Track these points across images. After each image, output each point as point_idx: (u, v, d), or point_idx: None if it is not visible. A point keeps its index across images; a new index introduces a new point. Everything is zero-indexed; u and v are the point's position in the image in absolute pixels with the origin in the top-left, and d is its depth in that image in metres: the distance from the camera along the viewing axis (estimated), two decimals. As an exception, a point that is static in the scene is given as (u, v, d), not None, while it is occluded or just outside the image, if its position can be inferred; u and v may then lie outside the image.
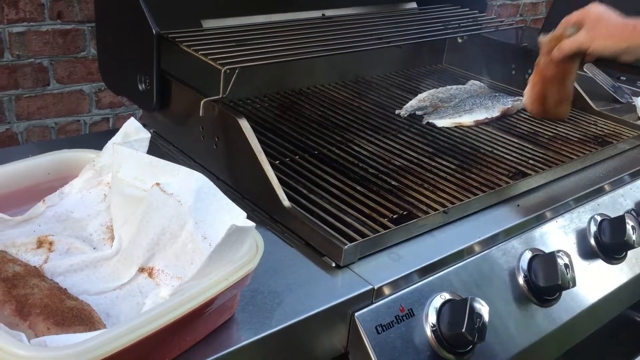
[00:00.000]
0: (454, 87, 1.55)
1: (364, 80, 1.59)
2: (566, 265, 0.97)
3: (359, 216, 0.97)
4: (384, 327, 0.84)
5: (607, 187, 1.21)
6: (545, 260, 0.99)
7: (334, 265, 0.88)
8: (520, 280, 0.99)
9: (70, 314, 0.65)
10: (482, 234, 0.99)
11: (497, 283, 0.97)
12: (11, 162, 0.86)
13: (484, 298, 0.88)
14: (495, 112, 1.39)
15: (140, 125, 0.88)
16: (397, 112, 1.41)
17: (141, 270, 0.77)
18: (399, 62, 1.69)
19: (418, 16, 1.49)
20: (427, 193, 1.05)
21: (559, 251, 0.99)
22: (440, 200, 1.03)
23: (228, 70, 1.00)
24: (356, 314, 0.83)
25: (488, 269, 0.97)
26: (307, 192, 1.02)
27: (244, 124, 0.98)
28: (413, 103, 1.44)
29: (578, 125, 1.40)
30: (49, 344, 0.59)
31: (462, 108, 1.40)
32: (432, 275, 0.91)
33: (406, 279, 0.88)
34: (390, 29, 1.34)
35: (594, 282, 1.10)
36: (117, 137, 0.87)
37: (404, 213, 1.00)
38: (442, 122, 1.35)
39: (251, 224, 0.72)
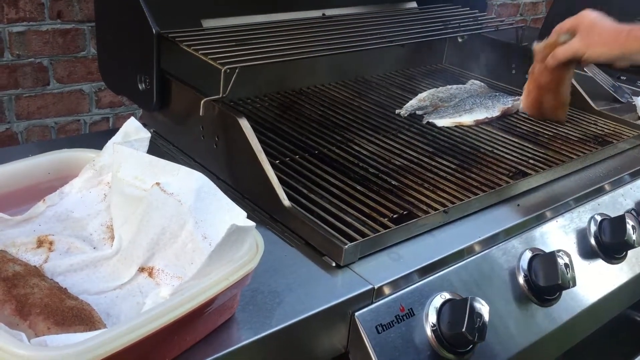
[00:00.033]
0: (454, 86, 1.55)
1: (364, 80, 1.59)
2: (566, 265, 0.97)
3: (359, 216, 0.97)
4: (384, 327, 0.84)
5: (607, 187, 1.21)
6: (545, 260, 0.99)
7: (334, 264, 0.88)
8: (521, 279, 0.99)
9: (70, 313, 0.65)
10: (482, 234, 0.99)
11: (497, 283, 0.97)
12: (11, 161, 0.86)
13: (484, 298, 0.88)
14: (495, 112, 1.39)
15: (141, 125, 0.88)
16: (397, 111, 1.41)
17: (141, 269, 0.77)
18: (399, 61, 1.69)
19: (418, 16, 1.49)
20: (427, 193, 1.05)
21: (559, 251, 0.99)
22: (441, 199, 1.03)
23: (228, 70, 1.00)
24: (356, 313, 0.83)
25: (488, 269, 0.97)
26: (307, 192, 1.02)
27: (244, 124, 0.98)
28: (413, 102, 1.44)
29: (578, 125, 1.40)
30: (49, 343, 0.59)
31: (462, 107, 1.40)
32: (432, 275, 0.91)
33: (406, 279, 0.88)
34: (390, 28, 1.34)
35: (594, 282, 1.10)
36: (117, 137, 0.87)
37: (404, 213, 1.00)
38: (442, 122, 1.35)
39: (251, 223, 0.72)
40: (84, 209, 0.86)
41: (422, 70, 1.72)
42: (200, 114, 1.03)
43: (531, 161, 1.21)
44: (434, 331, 0.87)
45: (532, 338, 0.98)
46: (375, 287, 0.85)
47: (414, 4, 1.64)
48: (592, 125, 1.41)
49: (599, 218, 1.14)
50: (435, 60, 1.77)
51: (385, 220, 0.96)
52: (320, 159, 1.15)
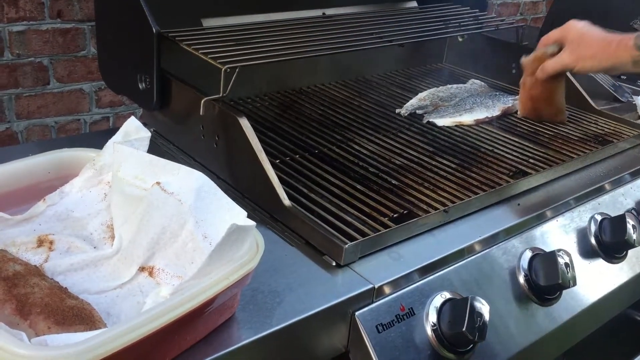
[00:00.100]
0: (455, 86, 1.55)
1: (364, 79, 1.59)
2: (566, 265, 0.97)
3: (360, 215, 0.97)
4: (384, 326, 0.84)
5: (607, 186, 1.21)
6: (545, 259, 0.99)
7: (334, 264, 0.88)
8: (521, 279, 0.99)
9: (70, 313, 0.65)
10: (483, 233, 0.99)
11: (497, 282, 0.97)
12: (11, 161, 0.86)
13: (485, 297, 0.88)
14: (495, 111, 1.39)
15: (141, 124, 0.88)
16: (397, 111, 1.41)
17: (141, 269, 0.77)
18: (399, 61, 1.69)
19: (418, 15, 1.49)
20: (428, 192, 1.05)
21: (559, 250, 0.99)
22: (441, 199, 1.03)
23: (228, 69, 1.00)
24: (357, 313, 0.83)
25: (488, 268, 0.97)
26: (307, 191, 1.02)
27: (244, 123, 0.98)
28: (413, 102, 1.44)
29: (578, 124, 1.40)
30: (49, 343, 0.59)
31: (463, 107, 1.40)
32: (432, 275, 0.91)
33: (407, 278, 0.88)
34: (390, 27, 1.34)
35: (595, 281, 1.10)
36: (117, 136, 0.87)
37: (405, 212, 1.00)
38: (442, 121, 1.35)
39: (251, 223, 0.72)
40: (84, 208, 0.86)
41: (422, 69, 1.72)
42: (201, 113, 1.03)
43: (531, 160, 1.21)
44: (434, 331, 0.87)
45: (532, 337, 0.98)
46: (376, 286, 0.85)
47: (414, 3, 1.64)
48: (593, 125, 1.41)
49: (599, 217, 1.14)
50: (435, 60, 1.77)
51: (385, 220, 0.96)
52: (320, 158, 1.15)
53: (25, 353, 0.55)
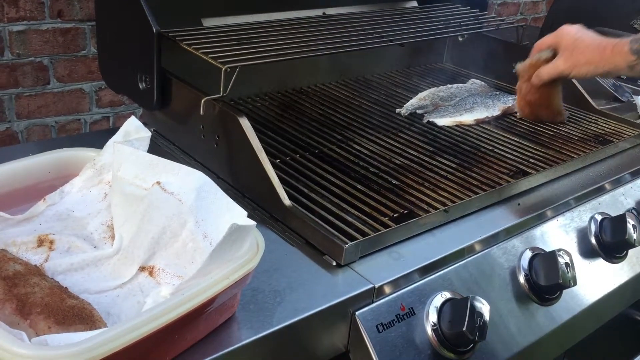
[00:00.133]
0: (455, 85, 1.55)
1: (364, 79, 1.59)
2: (567, 264, 0.97)
3: (360, 215, 0.97)
4: (384, 326, 0.84)
5: (607, 186, 1.21)
6: (546, 259, 0.99)
7: (334, 264, 0.88)
8: (521, 279, 0.99)
9: (71, 312, 0.65)
10: (483, 233, 0.99)
11: (497, 282, 0.97)
12: (11, 160, 0.86)
13: (485, 297, 0.88)
14: (495, 111, 1.39)
15: (141, 124, 0.88)
16: (397, 110, 1.41)
17: (142, 269, 0.77)
18: (399, 60, 1.69)
19: (419, 15, 1.49)
20: (428, 192, 1.05)
21: (559, 250, 0.99)
22: (441, 199, 1.03)
23: (228, 69, 1.00)
24: (357, 312, 0.83)
25: (489, 268, 0.97)
26: (307, 191, 1.02)
27: (245, 123, 0.98)
28: (414, 102, 1.44)
29: (579, 124, 1.40)
30: (49, 342, 0.59)
31: (463, 107, 1.40)
32: (432, 274, 0.91)
33: (407, 278, 0.88)
34: (391, 27, 1.34)
35: (595, 281, 1.10)
36: (117, 136, 0.87)
37: (405, 212, 1.00)
38: (442, 121, 1.35)
39: (252, 222, 0.72)
40: (85, 208, 0.86)
41: (423, 69, 1.72)
42: (201, 113, 1.03)
43: (532, 160, 1.21)
44: (434, 330, 0.87)
45: (532, 337, 0.98)
46: (376, 286, 0.85)
47: (414, 3, 1.64)
48: (593, 125, 1.41)
49: (599, 217, 1.14)
50: (435, 60, 1.77)
51: (385, 220, 0.96)
52: (320, 158, 1.15)
53: (26, 353, 0.55)
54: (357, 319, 0.83)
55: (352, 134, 1.26)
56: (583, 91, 1.47)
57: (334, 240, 0.88)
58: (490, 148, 1.25)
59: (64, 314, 0.65)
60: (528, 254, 1.01)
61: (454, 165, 1.16)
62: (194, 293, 0.65)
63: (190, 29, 1.18)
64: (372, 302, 0.85)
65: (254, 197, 1.02)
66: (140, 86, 1.14)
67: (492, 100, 1.43)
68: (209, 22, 1.28)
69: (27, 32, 1.65)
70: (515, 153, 1.24)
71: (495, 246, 1.00)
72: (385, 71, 1.65)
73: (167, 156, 0.82)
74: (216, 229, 0.74)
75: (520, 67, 1.27)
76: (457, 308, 0.86)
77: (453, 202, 1.02)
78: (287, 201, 0.95)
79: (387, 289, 0.86)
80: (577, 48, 1.17)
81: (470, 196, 1.04)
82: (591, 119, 1.44)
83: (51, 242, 0.80)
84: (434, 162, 1.16)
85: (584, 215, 1.13)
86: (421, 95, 1.47)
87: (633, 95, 1.62)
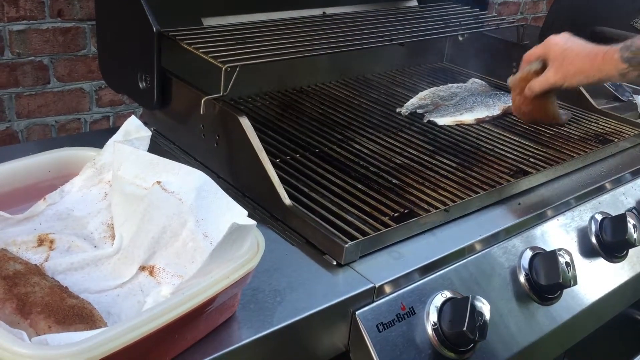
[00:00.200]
0: (455, 85, 1.55)
1: (364, 79, 1.59)
2: (567, 264, 0.97)
3: (360, 214, 0.97)
4: (385, 326, 0.84)
5: (608, 186, 1.21)
6: (546, 259, 0.99)
7: (335, 263, 0.88)
8: (522, 278, 0.99)
9: (71, 312, 0.65)
10: (483, 233, 0.99)
11: (498, 281, 0.97)
12: (12, 160, 0.86)
13: (485, 296, 0.88)
14: (496, 110, 1.39)
15: (141, 124, 0.88)
16: (398, 110, 1.41)
17: (142, 268, 0.77)
18: (399, 60, 1.69)
19: (419, 14, 1.49)
20: (428, 191, 1.05)
21: (560, 249, 0.99)
22: (441, 198, 1.03)
23: (229, 69, 1.00)
24: (357, 312, 0.83)
25: (489, 268, 0.97)
26: (308, 191, 1.02)
27: (245, 122, 0.98)
28: (414, 101, 1.44)
29: (579, 124, 1.40)
30: (50, 342, 0.59)
31: (463, 106, 1.40)
32: (433, 274, 0.91)
33: (407, 278, 0.88)
34: (391, 26, 1.34)
35: (595, 281, 1.10)
36: (117, 136, 0.86)
37: (405, 211, 1.00)
38: (443, 120, 1.35)
39: (252, 222, 0.72)
40: (85, 207, 0.86)
41: (423, 68, 1.72)
42: (201, 112, 1.02)
43: (532, 160, 1.21)
44: (435, 330, 0.86)
45: (533, 337, 0.98)
46: (376, 285, 0.85)
47: (414, 2, 1.64)
48: (593, 124, 1.41)
49: (599, 217, 1.14)
50: (435, 59, 1.77)
51: (386, 219, 0.96)
52: (321, 157, 1.15)
53: (26, 352, 0.55)
54: (358, 319, 0.83)
55: (352, 134, 1.26)
56: (583, 90, 1.47)
57: (334, 239, 0.88)
58: (491, 147, 1.25)
59: (64, 314, 0.65)
60: (528, 254, 1.01)
61: (454, 165, 1.16)
62: (194, 292, 0.65)
63: (191, 29, 1.18)
64: (373, 302, 0.85)
65: (254, 197, 1.02)
66: (141, 85, 1.14)
67: (493, 99, 1.43)
68: (209, 21, 1.28)
69: (27, 32, 1.65)
70: (515, 152, 1.24)
71: (495, 246, 0.99)
72: (386, 70, 1.65)
73: (167, 156, 0.82)
74: (216, 228, 0.74)
75: (511, 80, 1.26)
76: (458, 307, 0.86)
77: (453, 201, 1.02)
78: (287, 201, 0.95)
79: (387, 289, 0.86)
80: (567, 58, 1.15)
81: (470, 196, 1.04)
82: (591, 118, 1.44)
83: (51, 241, 0.80)
84: (434, 162, 1.16)
85: (584, 214, 1.13)
86: (421, 94, 1.47)
87: (633, 95, 1.62)
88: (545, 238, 1.06)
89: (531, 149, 1.26)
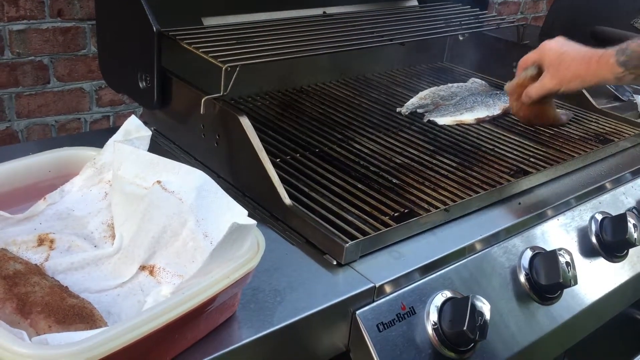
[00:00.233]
0: (455, 84, 1.55)
1: (364, 78, 1.59)
2: (567, 264, 0.97)
3: (360, 214, 0.97)
4: (385, 325, 0.84)
5: (608, 185, 1.21)
6: (546, 258, 0.99)
7: (335, 263, 0.88)
8: (522, 278, 0.99)
9: (71, 312, 0.65)
10: (484, 232, 0.99)
11: (498, 281, 0.97)
12: (12, 160, 0.86)
13: (485, 296, 0.88)
14: (496, 110, 1.39)
15: (141, 123, 0.88)
16: (398, 109, 1.41)
17: (142, 268, 0.77)
18: (400, 59, 1.69)
19: (419, 14, 1.49)
20: (429, 191, 1.05)
21: (560, 249, 0.99)
22: (442, 198, 1.03)
23: (229, 68, 1.00)
24: (357, 312, 0.83)
25: (489, 267, 0.97)
26: (308, 190, 1.02)
27: (245, 122, 0.98)
28: (414, 101, 1.44)
29: (579, 123, 1.40)
30: (50, 342, 0.59)
31: (463, 106, 1.39)
32: (433, 273, 0.91)
33: (407, 277, 0.88)
34: (391, 26, 1.34)
35: (596, 280, 1.10)
36: (118, 135, 0.86)
37: (405, 211, 1.00)
38: (443, 120, 1.35)
39: (252, 222, 0.72)
40: (85, 207, 0.86)
41: (423, 68, 1.72)
42: (201, 112, 1.02)
43: (532, 159, 1.21)
44: (435, 329, 0.86)
45: (533, 336, 0.98)
46: (377, 285, 0.85)
47: (414, 2, 1.64)
48: (594, 124, 1.41)
49: (600, 216, 1.14)
50: (436, 59, 1.77)
51: (386, 219, 0.96)
52: (321, 157, 1.15)
53: (26, 352, 0.55)
54: (358, 318, 0.83)
55: (352, 133, 1.26)
56: (584, 90, 1.47)
57: (335, 239, 0.88)
58: (491, 147, 1.25)
59: (65, 313, 0.65)
60: (528, 253, 1.01)
61: (454, 165, 1.16)
62: (194, 292, 0.65)
63: (191, 28, 1.18)
64: (373, 302, 0.85)
65: (254, 196, 1.02)
66: (141, 85, 1.14)
67: (493, 99, 1.43)
68: (209, 21, 1.28)
69: (27, 31, 1.65)
70: (515, 152, 1.24)
71: (495, 245, 0.99)
72: (386, 70, 1.65)
73: (167, 155, 0.82)
74: (217, 228, 0.74)
75: (508, 87, 1.27)
76: (458, 307, 0.86)
77: (454, 201, 1.02)
78: (287, 200, 0.95)
79: (387, 288, 0.86)
80: (562, 63, 1.15)
81: (470, 195, 1.04)
82: (592, 118, 1.44)
83: (51, 241, 0.80)
84: (434, 161, 1.16)
85: (584, 214, 1.13)
86: (422, 94, 1.47)
87: (634, 94, 1.62)
88: (545, 238, 1.06)
89: (531, 149, 1.26)
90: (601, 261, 1.12)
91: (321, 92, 1.48)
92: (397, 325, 0.85)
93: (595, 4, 1.89)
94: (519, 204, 1.09)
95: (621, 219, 1.11)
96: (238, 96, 1.38)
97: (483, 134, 1.31)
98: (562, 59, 1.15)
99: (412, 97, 1.46)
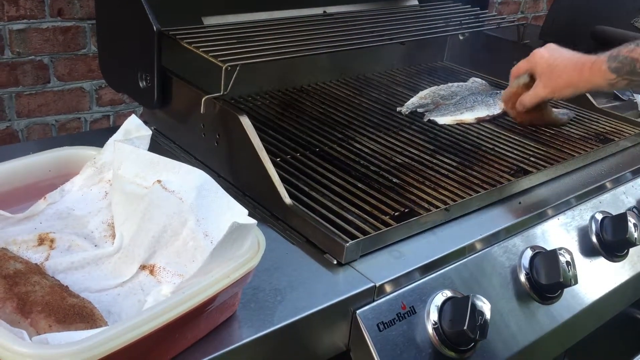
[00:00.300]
0: (455, 84, 1.55)
1: (364, 78, 1.59)
2: (568, 263, 0.97)
3: (361, 213, 0.97)
4: (385, 325, 0.84)
5: (608, 185, 1.21)
6: (547, 258, 0.99)
7: (335, 262, 0.88)
8: (522, 277, 0.99)
9: (71, 311, 0.65)
10: (484, 232, 0.99)
11: (498, 281, 0.97)
12: (12, 159, 0.86)
13: (486, 295, 0.88)
14: (496, 110, 1.39)
15: (141, 123, 0.88)
16: (398, 109, 1.40)
17: (142, 267, 0.77)
18: (400, 59, 1.69)
19: (419, 13, 1.49)
20: (429, 190, 1.05)
21: (560, 249, 0.99)
22: (442, 197, 1.03)
23: (229, 68, 1.00)
24: (358, 311, 0.83)
25: (489, 267, 0.97)
26: (308, 190, 1.02)
27: (245, 121, 0.98)
28: (414, 100, 1.44)
29: (580, 123, 1.40)
30: (50, 341, 0.59)
31: (464, 105, 1.39)
32: (433, 273, 0.91)
33: (408, 277, 0.88)
34: (391, 25, 1.34)
35: (596, 280, 1.10)
36: (118, 135, 0.86)
37: (406, 210, 1.00)
38: (443, 120, 1.35)
39: (253, 221, 0.72)
40: (85, 206, 0.86)
41: (423, 67, 1.72)
42: (201, 111, 1.02)
43: (532, 159, 1.21)
44: (435, 329, 0.86)
45: (533, 336, 0.98)
46: (377, 285, 0.85)
47: (415, 1, 1.64)
48: (594, 123, 1.41)
49: (600, 216, 1.14)
50: (436, 58, 1.77)
51: (386, 218, 0.96)
52: (321, 156, 1.15)
53: (26, 351, 0.55)
54: (358, 318, 0.83)
55: (352, 133, 1.26)
56: (584, 90, 1.47)
57: (335, 238, 0.88)
58: (491, 147, 1.25)
59: (65, 313, 0.65)
60: (529, 253, 1.01)
61: (454, 164, 1.16)
62: (194, 292, 0.65)
63: (191, 28, 1.18)
64: (373, 301, 0.85)
65: (254, 196, 1.02)
66: (141, 85, 1.14)
67: (493, 98, 1.43)
68: (209, 20, 1.28)
69: (27, 31, 1.65)
70: (516, 151, 1.24)
71: (496, 245, 0.99)
72: (386, 70, 1.65)
73: (167, 155, 0.82)
74: (217, 227, 0.74)
75: (503, 95, 1.28)
76: (458, 307, 0.86)
77: (454, 200, 1.02)
78: (287, 200, 0.95)
79: (388, 288, 0.86)
80: (554, 71, 1.15)
81: (471, 195, 1.04)
82: (592, 117, 1.44)
83: (52, 240, 0.80)
84: (434, 161, 1.16)
85: (584, 213, 1.13)
86: (422, 93, 1.47)
87: (634, 94, 1.62)
88: (545, 237, 1.06)
89: (532, 148, 1.26)
90: (601, 261, 1.12)
91: (321, 91, 1.48)
92: (397, 324, 0.85)
93: (595, 4, 1.89)
94: (519, 203, 1.09)
95: (621, 219, 1.11)
96: (238, 95, 1.38)
97: (483, 133, 1.31)
98: (554, 67, 1.15)
99: (412, 97, 1.46)
